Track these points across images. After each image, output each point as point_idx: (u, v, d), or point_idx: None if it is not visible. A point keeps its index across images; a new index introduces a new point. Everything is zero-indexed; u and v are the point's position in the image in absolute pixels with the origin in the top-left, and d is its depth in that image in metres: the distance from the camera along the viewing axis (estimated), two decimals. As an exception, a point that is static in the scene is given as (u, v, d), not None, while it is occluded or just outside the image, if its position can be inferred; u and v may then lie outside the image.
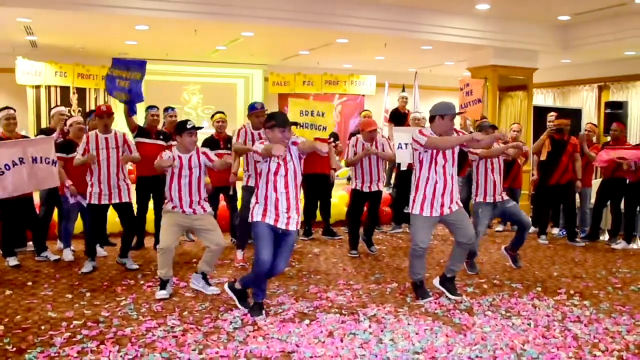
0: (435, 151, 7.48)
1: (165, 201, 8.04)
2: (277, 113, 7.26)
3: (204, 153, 8.03)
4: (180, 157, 7.83)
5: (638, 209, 11.52)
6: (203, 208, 7.98)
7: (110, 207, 9.30)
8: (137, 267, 9.36)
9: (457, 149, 7.65)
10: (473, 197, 9.37)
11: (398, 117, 15.12)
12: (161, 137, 10.35)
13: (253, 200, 7.03)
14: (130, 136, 9.71)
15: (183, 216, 7.91)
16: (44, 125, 15.99)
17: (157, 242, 9.93)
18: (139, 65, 10.83)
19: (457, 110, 7.83)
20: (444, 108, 7.58)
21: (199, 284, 8.12)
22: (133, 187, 9.64)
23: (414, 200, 7.69)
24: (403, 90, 18.17)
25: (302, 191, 7.15)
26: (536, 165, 13.10)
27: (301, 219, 7.28)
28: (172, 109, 11.43)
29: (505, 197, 9.38)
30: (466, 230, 7.80)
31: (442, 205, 7.60)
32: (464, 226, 7.79)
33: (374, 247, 10.92)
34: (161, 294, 7.80)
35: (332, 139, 11.97)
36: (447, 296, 7.87)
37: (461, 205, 7.82)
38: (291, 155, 6.92)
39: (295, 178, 6.96)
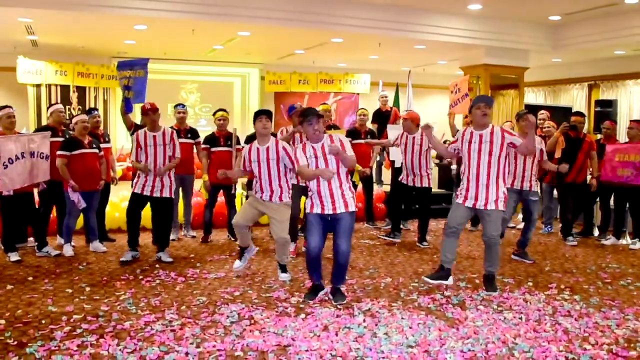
0: (468, 146, 7.91)
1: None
2: (306, 109, 7.72)
3: (284, 149, 8.31)
4: (258, 149, 8.30)
5: (627, 205, 11.53)
6: (280, 198, 8.42)
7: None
8: (171, 260, 9.50)
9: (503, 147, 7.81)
10: None
11: (380, 117, 15.11)
12: (189, 135, 10.37)
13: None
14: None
15: (260, 201, 8.46)
16: (44, 123, 15.99)
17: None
18: (142, 63, 10.86)
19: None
20: (473, 102, 8.19)
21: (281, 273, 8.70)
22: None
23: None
24: (397, 90, 18.21)
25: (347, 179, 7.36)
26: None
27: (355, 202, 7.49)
28: (182, 105, 11.42)
29: (534, 189, 9.89)
30: (488, 229, 7.97)
31: (475, 198, 7.85)
32: (488, 225, 7.95)
33: (425, 242, 11.22)
34: (236, 265, 8.87)
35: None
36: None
37: (501, 207, 7.85)
38: (323, 150, 7.29)
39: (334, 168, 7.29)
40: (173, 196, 9.68)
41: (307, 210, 7.48)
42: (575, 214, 11.98)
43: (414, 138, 10.86)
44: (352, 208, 7.37)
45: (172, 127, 10.90)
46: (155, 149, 9.32)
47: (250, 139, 10.68)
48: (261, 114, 8.28)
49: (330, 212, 7.30)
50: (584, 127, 11.63)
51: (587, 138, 11.57)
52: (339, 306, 7.19)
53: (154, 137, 9.36)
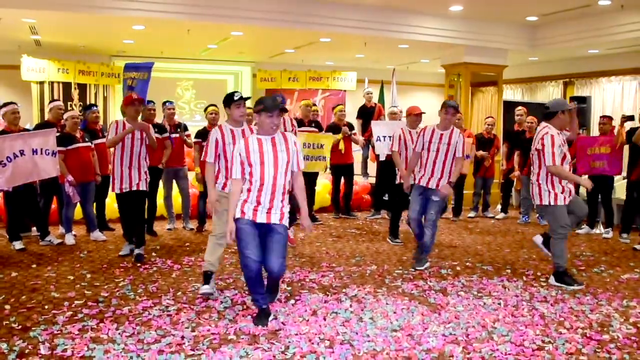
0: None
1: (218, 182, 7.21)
2: (267, 97, 6.32)
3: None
4: (232, 130, 7.12)
5: (599, 196, 11.50)
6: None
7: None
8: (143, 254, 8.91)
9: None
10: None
11: (365, 113, 15.12)
12: (156, 130, 10.34)
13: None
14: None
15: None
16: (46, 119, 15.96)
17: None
18: (147, 67, 10.86)
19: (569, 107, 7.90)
20: (560, 104, 7.85)
21: None
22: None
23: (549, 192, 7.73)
24: (382, 87, 18.23)
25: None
26: (504, 156, 13.17)
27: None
28: (171, 102, 11.35)
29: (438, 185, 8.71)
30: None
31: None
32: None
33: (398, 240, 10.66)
34: (206, 290, 7.03)
35: (348, 129, 12.68)
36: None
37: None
38: (273, 142, 6.09)
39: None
40: (147, 189, 9.01)
41: (237, 215, 6.09)
42: None
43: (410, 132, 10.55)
44: (286, 222, 6.20)
45: (161, 123, 10.86)
46: (132, 141, 8.70)
47: (201, 135, 10.53)
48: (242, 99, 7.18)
49: (264, 220, 6.07)
50: None
51: None
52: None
53: (133, 130, 8.71)
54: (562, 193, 7.64)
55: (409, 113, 10.23)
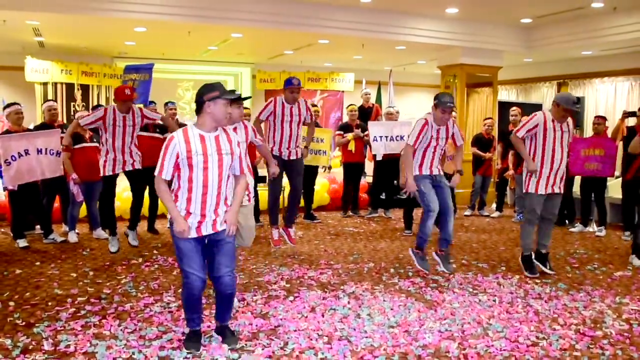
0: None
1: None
2: (216, 83, 5.12)
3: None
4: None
5: (593, 195, 11.52)
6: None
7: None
8: (136, 244, 9.32)
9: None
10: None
11: (362, 113, 15.14)
12: (158, 130, 10.33)
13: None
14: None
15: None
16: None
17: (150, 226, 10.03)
18: (148, 68, 10.80)
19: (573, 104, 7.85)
20: (559, 97, 7.94)
21: None
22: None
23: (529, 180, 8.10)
24: (379, 88, 18.25)
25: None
26: (499, 155, 13.17)
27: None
28: (172, 103, 11.40)
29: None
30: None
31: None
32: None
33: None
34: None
35: (359, 130, 12.70)
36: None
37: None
38: (217, 142, 5.11)
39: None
40: (140, 167, 9.05)
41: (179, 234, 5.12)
42: None
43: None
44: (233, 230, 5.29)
45: (160, 124, 10.85)
46: (124, 129, 8.72)
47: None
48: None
49: (210, 231, 5.18)
50: None
51: None
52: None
53: (124, 117, 8.71)
54: (544, 184, 7.96)
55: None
